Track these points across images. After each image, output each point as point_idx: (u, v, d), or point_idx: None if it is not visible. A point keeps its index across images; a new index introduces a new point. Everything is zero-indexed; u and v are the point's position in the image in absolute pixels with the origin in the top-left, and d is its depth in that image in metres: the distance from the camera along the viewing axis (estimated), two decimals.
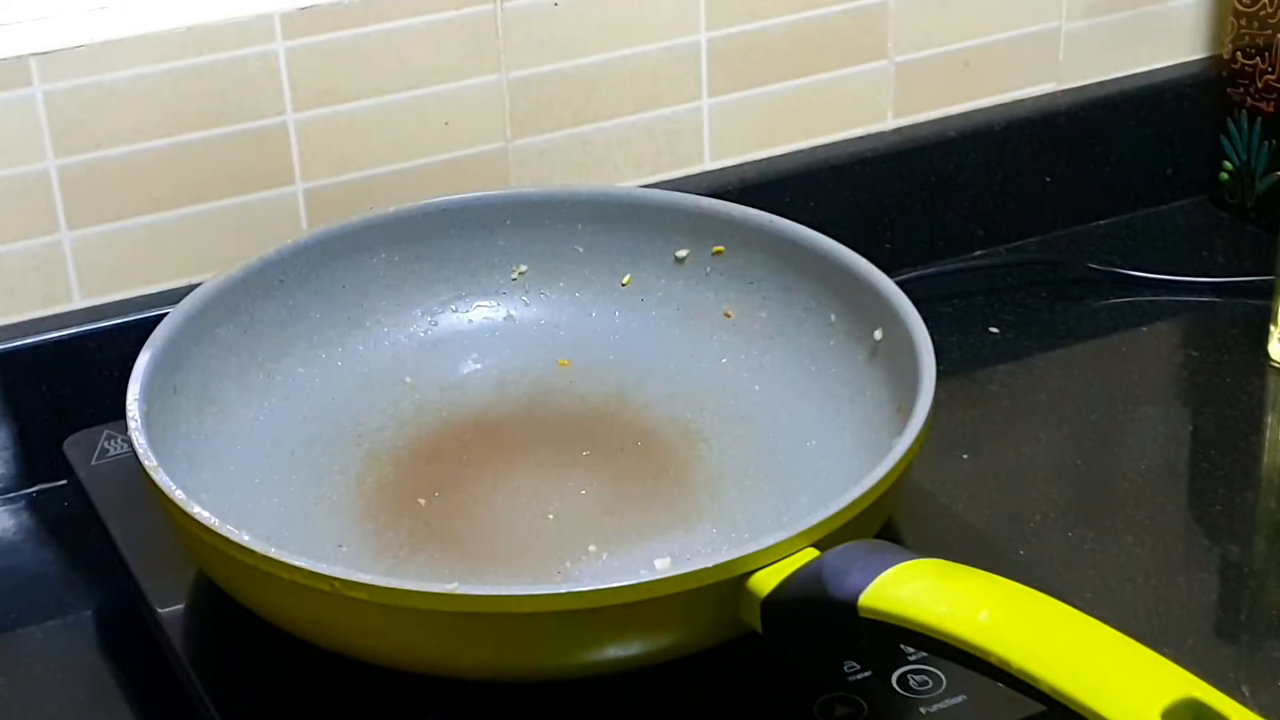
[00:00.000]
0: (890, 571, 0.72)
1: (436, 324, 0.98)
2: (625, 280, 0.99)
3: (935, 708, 0.78)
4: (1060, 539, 0.92)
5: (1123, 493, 0.95)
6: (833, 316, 0.94)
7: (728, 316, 0.97)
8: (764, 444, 0.92)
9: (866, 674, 0.79)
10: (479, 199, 0.99)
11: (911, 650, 0.80)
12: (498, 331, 0.99)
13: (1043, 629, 0.69)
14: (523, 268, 0.99)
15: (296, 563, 0.74)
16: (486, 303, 0.99)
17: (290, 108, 0.99)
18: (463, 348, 0.98)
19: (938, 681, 0.79)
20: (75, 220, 0.97)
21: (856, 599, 0.72)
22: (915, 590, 0.72)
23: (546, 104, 1.04)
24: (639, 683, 0.77)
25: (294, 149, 1.00)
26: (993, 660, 0.68)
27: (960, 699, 0.78)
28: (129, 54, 0.94)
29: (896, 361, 0.89)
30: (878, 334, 0.91)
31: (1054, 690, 0.67)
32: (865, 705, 0.78)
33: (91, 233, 0.97)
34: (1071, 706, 0.66)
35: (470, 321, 0.99)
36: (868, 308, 0.92)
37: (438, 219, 0.98)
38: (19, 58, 0.93)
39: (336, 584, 0.74)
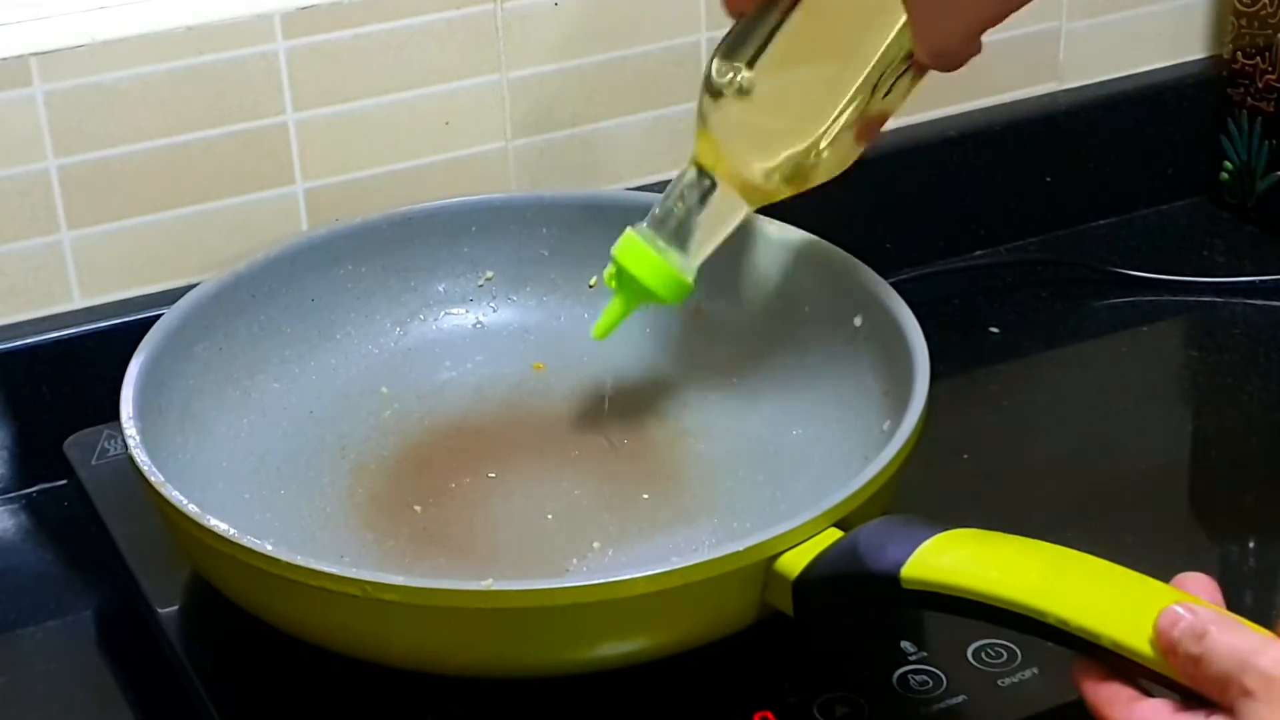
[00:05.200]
0: (930, 542, 0.73)
1: (407, 333, 0.98)
2: (592, 282, 0.99)
3: (935, 708, 0.78)
4: (1060, 539, 0.91)
5: (1123, 493, 0.95)
6: (807, 307, 0.94)
7: (699, 312, 0.97)
8: (750, 435, 0.92)
9: (866, 674, 0.79)
10: (443, 206, 0.99)
11: (912, 650, 0.80)
12: (468, 338, 0.99)
13: (1097, 586, 0.70)
14: (489, 274, 0.99)
15: (326, 569, 0.74)
16: (455, 310, 0.99)
17: (290, 108, 0.99)
18: (435, 356, 0.98)
19: (938, 681, 0.79)
20: (75, 220, 0.97)
21: (899, 571, 0.72)
22: (959, 558, 0.72)
23: (546, 104, 1.04)
24: (639, 683, 0.77)
25: (294, 149, 1.00)
26: (1050, 621, 0.68)
27: (960, 699, 0.78)
28: (129, 54, 0.94)
29: (879, 345, 0.89)
30: (857, 320, 0.91)
31: (1117, 646, 0.67)
32: (865, 705, 0.78)
33: (91, 233, 0.97)
34: (1139, 661, 0.66)
35: (440, 329, 0.99)
36: (844, 295, 0.92)
37: (402, 227, 0.98)
38: (19, 58, 0.93)
39: (368, 587, 0.73)
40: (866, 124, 0.85)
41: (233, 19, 0.96)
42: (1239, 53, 1.16)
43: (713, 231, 0.88)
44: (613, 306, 0.89)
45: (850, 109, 0.83)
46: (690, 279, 0.88)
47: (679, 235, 0.87)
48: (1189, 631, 0.65)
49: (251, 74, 0.97)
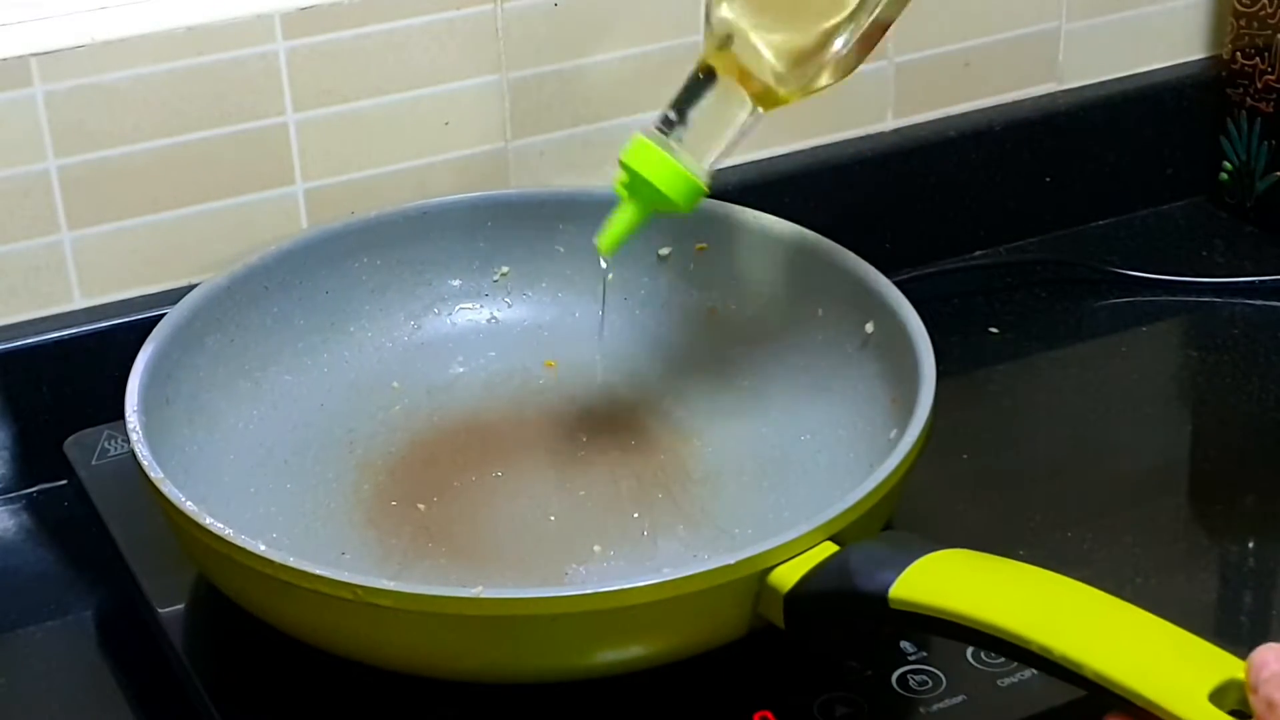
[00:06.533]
0: (919, 562, 0.73)
1: (420, 328, 0.98)
2: (609, 275, 0.99)
3: (935, 708, 0.78)
4: (1060, 539, 0.92)
5: (1123, 493, 0.95)
6: (820, 311, 0.94)
7: (712, 313, 0.97)
8: (758, 439, 0.92)
9: (866, 674, 0.79)
10: (459, 201, 0.99)
11: (912, 650, 0.80)
12: (482, 334, 0.99)
13: (1082, 615, 0.69)
14: (504, 269, 0.99)
15: (318, 571, 0.74)
16: (469, 305, 0.99)
17: (290, 108, 0.99)
18: (448, 351, 0.98)
19: (938, 681, 0.79)
20: (75, 220, 0.97)
21: (887, 591, 0.72)
22: (947, 580, 0.72)
23: (546, 104, 1.04)
24: (638, 684, 0.77)
25: (294, 149, 1.00)
26: (1033, 648, 0.68)
27: (960, 699, 0.78)
28: (129, 54, 0.94)
29: (889, 353, 0.89)
30: (869, 327, 0.91)
31: (1098, 676, 0.66)
32: (865, 705, 0.78)
33: (91, 233, 0.97)
34: (1117, 692, 0.66)
35: (454, 324, 0.99)
36: (857, 301, 0.92)
37: (418, 222, 0.98)
38: (19, 58, 0.93)
39: (359, 591, 0.73)
40: (870, 31, 0.84)
41: (233, 19, 0.96)
42: (1239, 53, 1.16)
43: (720, 132, 0.85)
44: (621, 214, 0.87)
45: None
46: (702, 182, 0.86)
47: (687, 138, 0.85)
48: (1275, 679, 0.64)
49: (251, 74, 0.97)
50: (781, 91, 0.85)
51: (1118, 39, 1.18)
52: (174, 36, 0.95)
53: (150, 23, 0.95)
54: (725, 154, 0.86)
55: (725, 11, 0.84)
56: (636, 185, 0.86)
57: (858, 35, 0.84)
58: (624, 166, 0.86)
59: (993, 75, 1.15)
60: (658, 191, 0.85)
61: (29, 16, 0.93)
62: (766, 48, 0.84)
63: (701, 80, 0.85)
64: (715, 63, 0.85)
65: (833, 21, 0.83)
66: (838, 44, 0.83)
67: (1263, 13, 1.14)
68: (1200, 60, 1.20)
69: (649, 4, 1.04)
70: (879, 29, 0.84)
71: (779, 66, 0.84)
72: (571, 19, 1.03)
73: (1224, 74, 1.18)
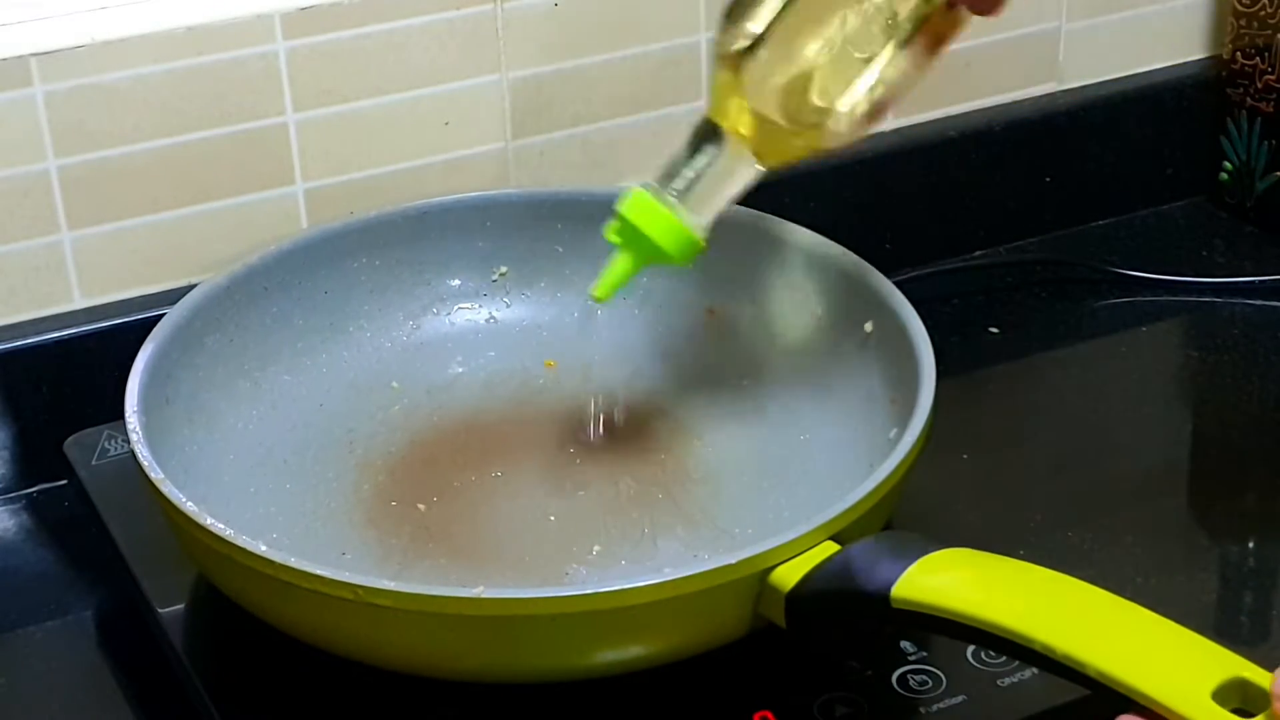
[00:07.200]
0: (921, 561, 0.73)
1: (419, 328, 0.98)
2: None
3: (935, 708, 0.78)
4: (1060, 539, 0.92)
5: (1123, 493, 0.95)
6: (820, 311, 0.94)
7: (712, 313, 0.97)
8: (758, 439, 0.92)
9: (866, 674, 0.79)
10: (458, 201, 0.99)
11: (912, 650, 0.80)
12: (480, 334, 0.99)
13: (1084, 614, 0.70)
14: (503, 269, 0.99)
15: (318, 571, 0.74)
16: (468, 305, 0.99)
17: (290, 108, 0.99)
18: (447, 351, 0.98)
19: (938, 681, 0.79)
20: (75, 220, 0.97)
21: (889, 590, 0.72)
22: (949, 579, 0.72)
23: (546, 104, 1.04)
24: (638, 684, 0.77)
25: (294, 149, 1.00)
26: (1035, 647, 0.68)
27: (960, 699, 0.78)
28: (129, 54, 0.94)
29: (889, 353, 0.89)
30: (868, 326, 0.91)
31: (1101, 675, 0.66)
32: (865, 705, 0.78)
33: (91, 233, 0.97)
34: (1120, 691, 0.66)
35: (453, 324, 0.99)
36: (856, 301, 0.92)
37: (417, 222, 0.98)
38: (19, 58, 0.93)
39: (359, 591, 0.73)
40: (887, 92, 0.83)
41: (233, 19, 0.96)
42: (1239, 53, 1.16)
43: (721, 190, 0.84)
44: (618, 264, 0.86)
45: (874, 61, 0.82)
46: (701, 238, 0.85)
47: (688, 193, 0.84)
48: None
49: (251, 74, 0.97)
50: (788, 149, 0.84)
51: (1118, 39, 1.18)
52: (174, 36, 0.95)
53: (150, 23, 0.95)
54: (724, 208, 0.85)
55: (736, 58, 0.82)
56: (633, 237, 0.85)
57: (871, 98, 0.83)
58: (621, 219, 0.85)
59: (993, 75, 1.15)
60: (654, 245, 0.84)
61: (29, 16, 0.93)
62: (775, 100, 0.83)
63: (706, 133, 0.84)
64: (719, 115, 0.83)
65: (844, 79, 0.82)
66: (844, 100, 0.83)
67: (1263, 13, 1.14)
68: (1200, 60, 1.20)
69: (649, 4, 1.04)
70: (896, 89, 0.84)
71: (785, 120, 0.83)
72: (571, 19, 1.03)
73: (1224, 74, 1.18)
